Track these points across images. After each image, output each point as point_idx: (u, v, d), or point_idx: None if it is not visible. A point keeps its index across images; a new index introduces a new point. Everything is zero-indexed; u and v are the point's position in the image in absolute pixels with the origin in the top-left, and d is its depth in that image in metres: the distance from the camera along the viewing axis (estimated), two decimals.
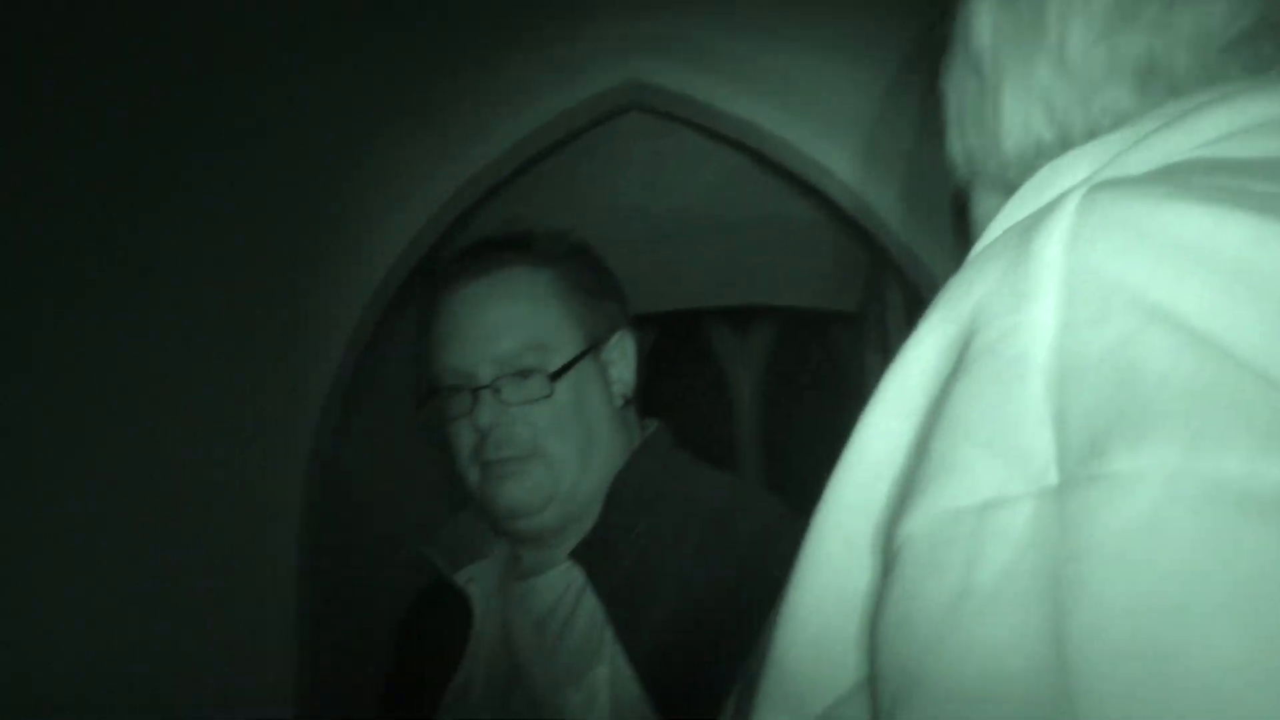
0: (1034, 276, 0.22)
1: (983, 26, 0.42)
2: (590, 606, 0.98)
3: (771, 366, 4.56)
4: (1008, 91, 0.41)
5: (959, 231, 0.49)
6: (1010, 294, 0.22)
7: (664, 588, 0.96)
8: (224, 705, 1.84)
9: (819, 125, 2.06)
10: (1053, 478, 0.19)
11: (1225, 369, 0.19)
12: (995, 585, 0.19)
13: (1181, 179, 0.25)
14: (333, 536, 2.28)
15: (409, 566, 1.20)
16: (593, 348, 1.04)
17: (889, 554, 0.23)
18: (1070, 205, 0.23)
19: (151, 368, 1.73)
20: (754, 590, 0.86)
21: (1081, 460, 0.19)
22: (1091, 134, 0.40)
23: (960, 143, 0.45)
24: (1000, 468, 0.20)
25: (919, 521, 0.21)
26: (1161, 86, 0.39)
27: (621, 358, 1.08)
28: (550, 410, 1.01)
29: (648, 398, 1.09)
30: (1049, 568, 0.19)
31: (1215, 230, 0.21)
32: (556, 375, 1.02)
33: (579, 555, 1.00)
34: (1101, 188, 0.25)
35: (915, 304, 2.34)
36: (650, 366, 1.14)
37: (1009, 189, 0.44)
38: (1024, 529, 0.19)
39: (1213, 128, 0.29)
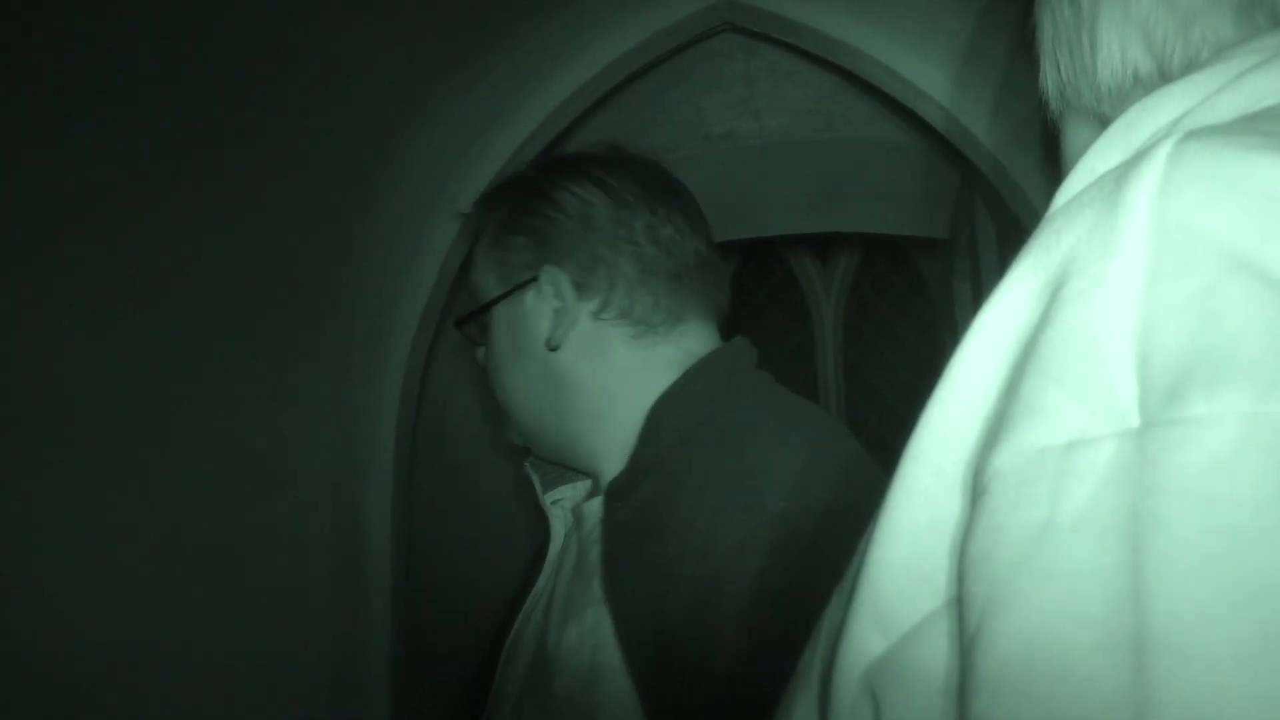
0: (1123, 227, 0.23)
1: None
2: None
3: (854, 295, 4.51)
4: (1105, 19, 0.40)
5: (1049, 162, 0.49)
6: (1100, 244, 0.24)
7: (670, 539, 0.84)
8: (326, 666, 1.91)
9: (912, 43, 2.01)
10: (1134, 420, 0.21)
11: None
12: (1077, 518, 0.21)
13: (1271, 127, 0.26)
14: (429, 493, 2.34)
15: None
16: (508, 293, 0.99)
17: (978, 487, 0.25)
18: (1160, 155, 0.24)
19: (245, 340, 1.76)
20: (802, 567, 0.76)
21: (1162, 404, 0.21)
22: (1190, 64, 0.40)
23: (1054, 73, 0.45)
24: (1086, 410, 0.22)
25: (1007, 457, 0.23)
26: (1264, 15, 0.38)
27: (554, 295, 0.97)
28: (490, 364, 1.02)
29: (727, 330, 1.04)
30: (1128, 503, 0.20)
31: None
32: (460, 324, 1.04)
33: (608, 488, 0.93)
34: (1191, 137, 0.25)
35: (1006, 231, 2.29)
36: (730, 296, 1.05)
37: (1103, 122, 0.44)
38: (1106, 467, 0.21)
39: None
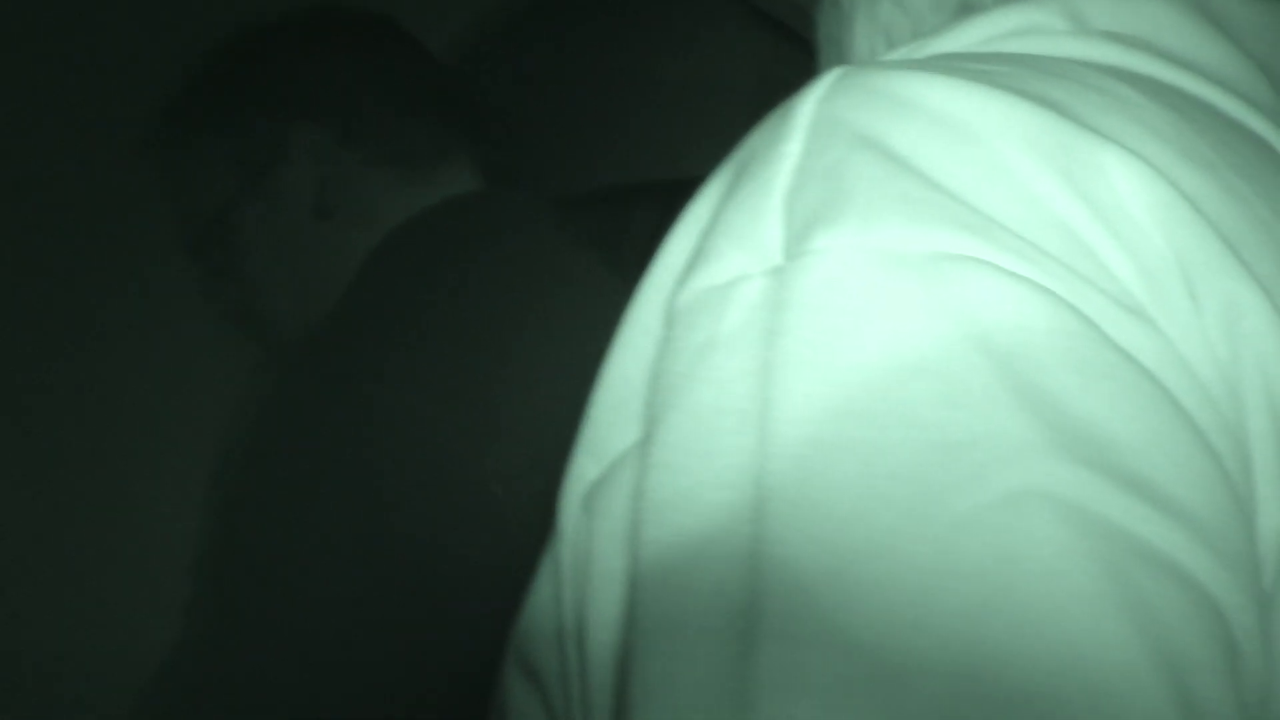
0: (789, 123, 0.29)
1: None
2: None
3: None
4: (859, 22, 0.47)
5: None
6: (770, 136, 0.30)
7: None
8: None
9: None
10: (778, 259, 0.27)
11: (902, 174, 0.27)
12: (730, 335, 0.26)
13: (926, 62, 0.33)
14: None
15: None
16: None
17: (668, 325, 0.30)
18: (832, 74, 0.31)
19: None
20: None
21: (796, 243, 0.27)
22: None
23: (824, 67, 0.51)
24: (745, 256, 0.27)
25: (684, 298, 0.28)
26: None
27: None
28: None
29: None
30: (766, 319, 0.26)
31: (944, 94, 0.28)
32: None
33: None
34: (863, 63, 0.32)
35: None
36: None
37: None
38: (755, 295, 0.26)
39: (969, 35, 0.37)
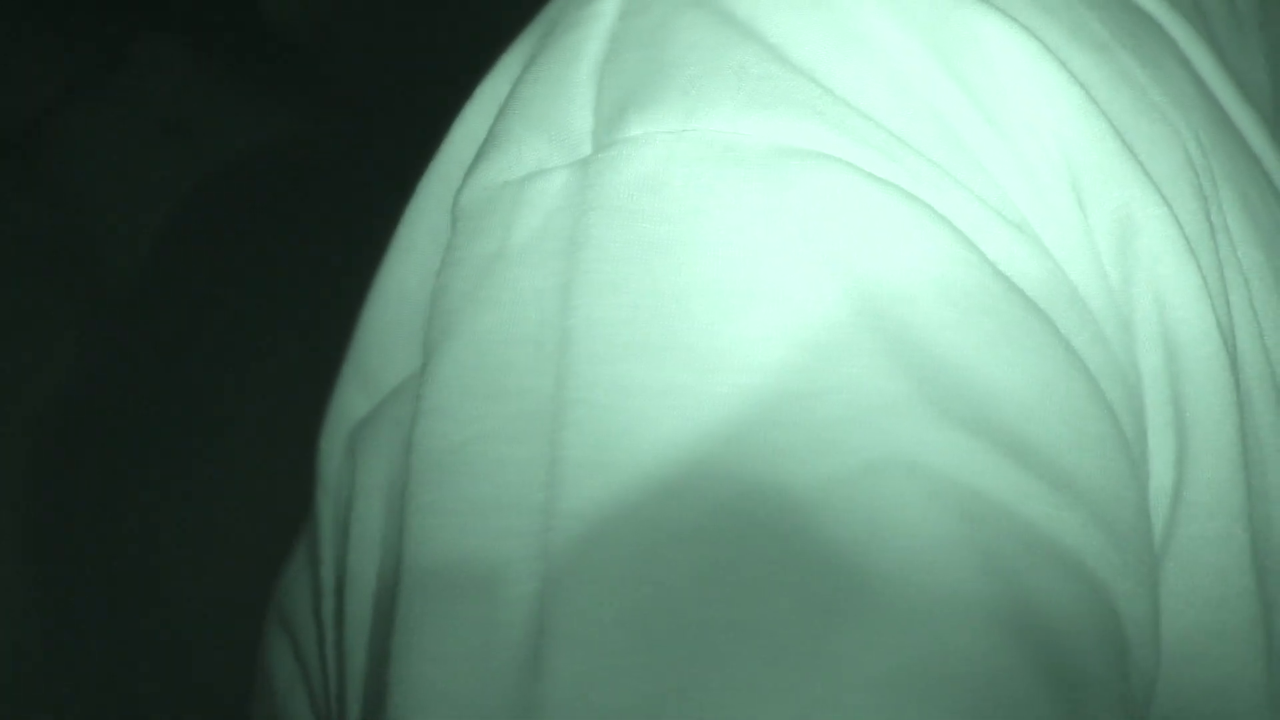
0: None
1: None
2: None
3: None
4: None
5: None
6: None
7: None
8: None
9: None
10: (586, 149, 0.21)
11: (740, 41, 0.21)
12: (524, 245, 0.21)
13: None
14: None
15: None
16: None
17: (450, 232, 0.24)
18: None
19: None
20: None
21: (606, 130, 0.21)
22: None
23: None
24: (545, 143, 0.22)
25: (470, 194, 0.22)
26: None
27: None
28: None
29: None
30: (569, 226, 0.21)
31: None
32: None
33: None
34: None
35: None
36: None
37: None
38: (556, 195, 0.21)
39: None
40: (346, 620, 0.25)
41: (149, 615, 0.69)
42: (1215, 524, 0.21)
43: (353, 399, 0.26)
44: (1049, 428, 0.19)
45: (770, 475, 0.18)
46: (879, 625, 0.17)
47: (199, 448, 0.71)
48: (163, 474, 0.70)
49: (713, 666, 0.17)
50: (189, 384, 0.70)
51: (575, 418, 0.19)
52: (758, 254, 0.20)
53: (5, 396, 1.08)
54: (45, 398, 0.98)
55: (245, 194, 0.77)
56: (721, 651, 0.17)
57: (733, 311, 0.19)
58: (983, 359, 0.19)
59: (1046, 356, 0.20)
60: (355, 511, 0.25)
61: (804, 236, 0.20)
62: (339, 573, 0.26)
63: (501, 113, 0.23)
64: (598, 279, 0.20)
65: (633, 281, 0.20)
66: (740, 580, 0.18)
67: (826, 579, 0.18)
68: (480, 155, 0.23)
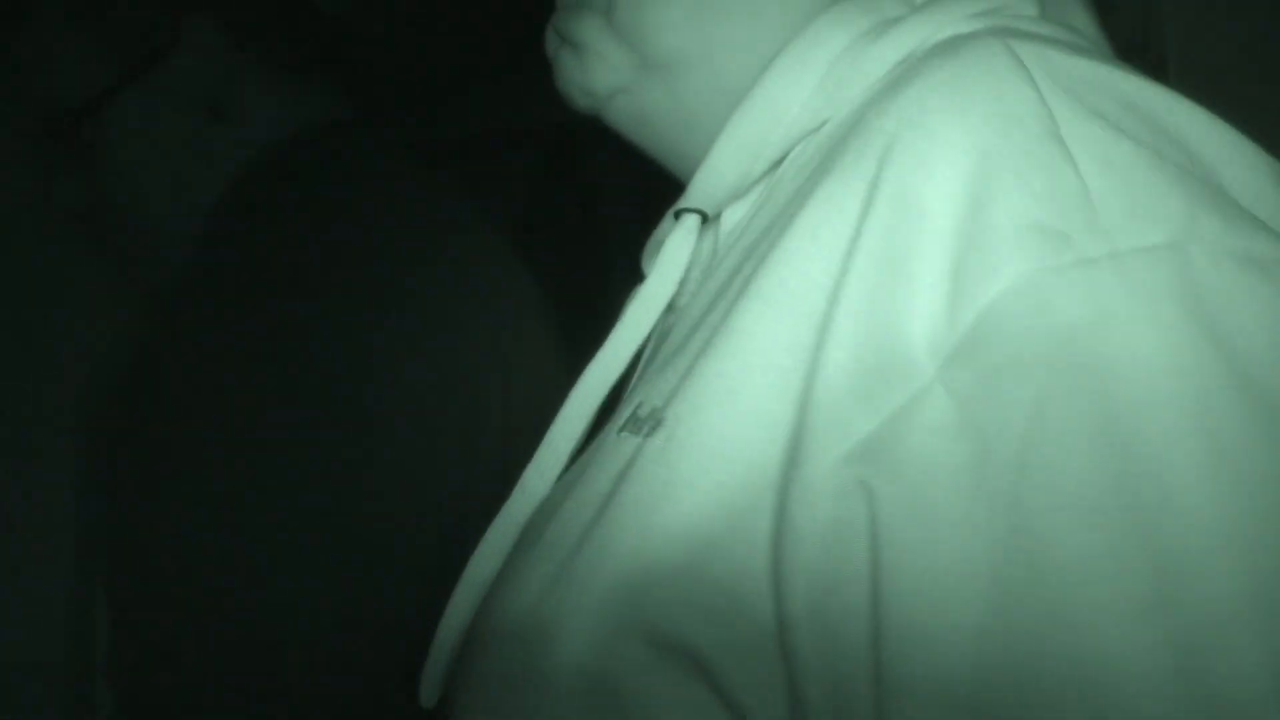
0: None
1: None
2: None
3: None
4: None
5: None
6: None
7: None
8: None
9: None
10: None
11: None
12: None
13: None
14: None
15: None
16: None
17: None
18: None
19: None
20: None
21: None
22: None
23: None
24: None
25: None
26: None
27: None
28: None
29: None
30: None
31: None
32: None
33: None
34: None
35: None
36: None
37: None
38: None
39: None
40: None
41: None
42: None
43: (848, 414, 0.31)
44: None
45: None
46: None
47: (239, 433, 0.69)
48: (199, 461, 0.69)
49: None
50: (231, 368, 0.69)
51: None
52: None
53: (50, 378, 1.10)
54: (92, 382, 1.03)
55: (287, 178, 0.77)
56: None
57: None
58: None
59: None
60: (885, 529, 0.29)
61: None
62: (842, 592, 0.29)
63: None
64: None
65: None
66: None
67: None
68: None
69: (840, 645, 0.29)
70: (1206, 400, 0.27)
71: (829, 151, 0.37)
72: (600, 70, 0.44)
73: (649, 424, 0.36)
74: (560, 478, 0.43)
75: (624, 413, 0.39)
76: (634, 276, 0.47)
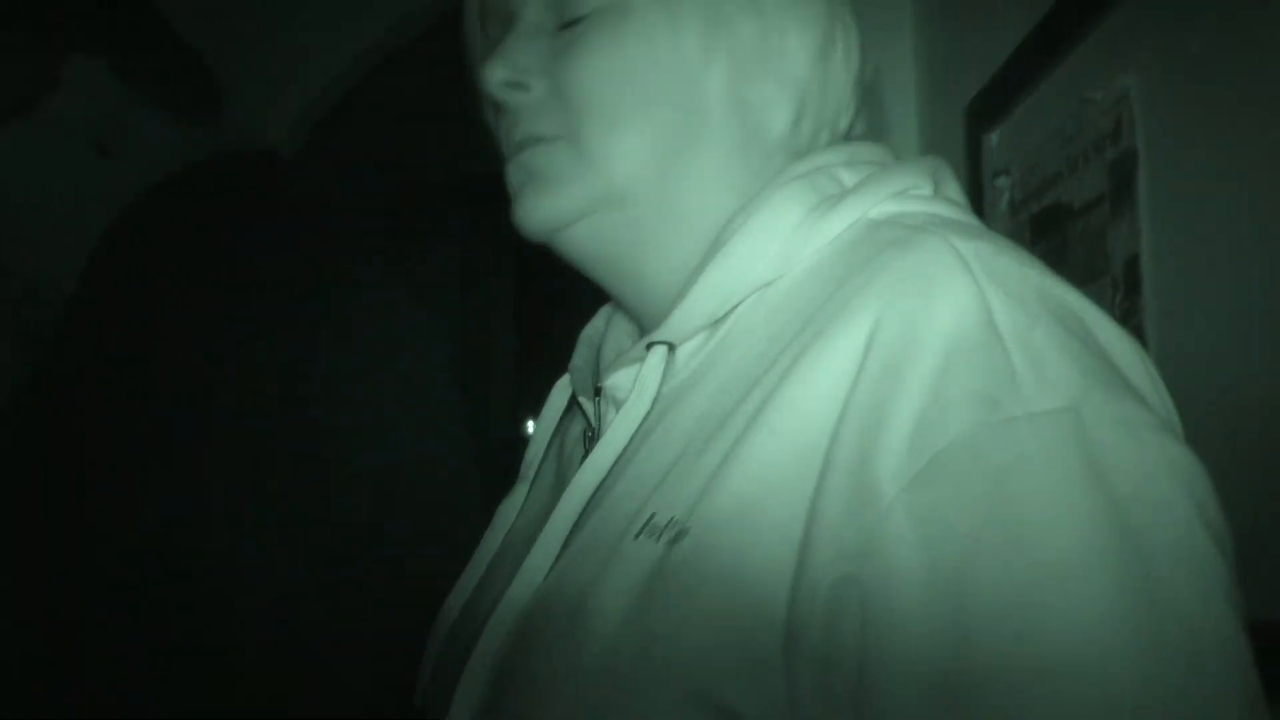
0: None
1: None
2: None
3: None
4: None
5: None
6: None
7: None
8: None
9: None
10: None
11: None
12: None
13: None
14: None
15: None
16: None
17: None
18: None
19: None
20: None
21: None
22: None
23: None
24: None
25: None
26: (810, 123, 0.55)
27: None
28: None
29: None
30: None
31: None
32: None
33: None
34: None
35: None
36: None
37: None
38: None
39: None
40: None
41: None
42: None
43: (886, 442, 0.41)
44: None
45: None
46: None
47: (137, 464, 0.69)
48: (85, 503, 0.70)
49: None
50: (128, 400, 0.69)
51: None
52: None
53: None
54: None
55: (176, 214, 0.75)
56: None
57: None
58: None
59: None
60: (941, 572, 0.40)
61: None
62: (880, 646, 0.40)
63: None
64: None
65: None
66: None
67: None
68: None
69: (836, 681, 0.41)
70: (1093, 522, 0.39)
71: (810, 309, 0.47)
72: (567, 198, 0.53)
73: (670, 531, 0.45)
74: (553, 568, 0.50)
75: (637, 521, 0.46)
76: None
